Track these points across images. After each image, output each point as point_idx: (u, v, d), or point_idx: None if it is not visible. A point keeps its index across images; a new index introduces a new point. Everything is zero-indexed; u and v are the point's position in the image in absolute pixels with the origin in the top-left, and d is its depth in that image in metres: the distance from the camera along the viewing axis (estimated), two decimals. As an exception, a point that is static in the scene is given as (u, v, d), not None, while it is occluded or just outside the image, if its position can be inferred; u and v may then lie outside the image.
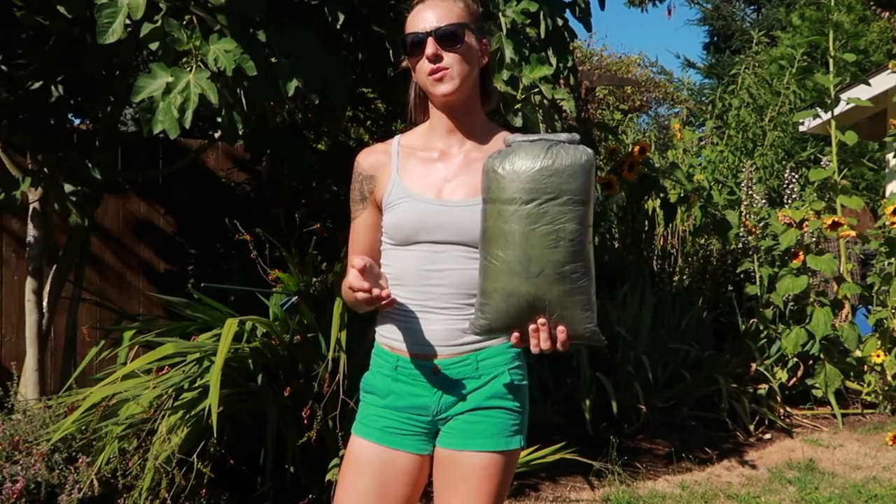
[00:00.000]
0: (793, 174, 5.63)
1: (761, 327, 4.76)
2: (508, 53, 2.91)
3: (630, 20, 41.33)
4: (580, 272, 1.33)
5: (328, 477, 2.88)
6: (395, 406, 1.54)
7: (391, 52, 3.16)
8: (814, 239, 4.82)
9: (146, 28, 2.37)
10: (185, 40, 2.36)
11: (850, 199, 4.94)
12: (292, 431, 2.89)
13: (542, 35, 2.99)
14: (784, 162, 7.06)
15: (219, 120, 2.45)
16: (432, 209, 1.49)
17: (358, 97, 4.24)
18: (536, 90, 3.02)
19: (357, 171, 1.60)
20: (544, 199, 1.31)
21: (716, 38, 18.60)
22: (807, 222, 4.70)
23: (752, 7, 18.98)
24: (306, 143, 3.77)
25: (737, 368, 4.55)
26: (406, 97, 1.64)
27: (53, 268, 3.32)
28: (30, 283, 3.28)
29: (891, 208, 4.78)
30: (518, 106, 3.01)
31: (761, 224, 5.25)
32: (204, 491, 2.69)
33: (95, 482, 2.59)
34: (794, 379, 4.75)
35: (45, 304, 3.29)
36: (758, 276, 4.93)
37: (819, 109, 5.17)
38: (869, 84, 5.94)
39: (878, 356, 4.66)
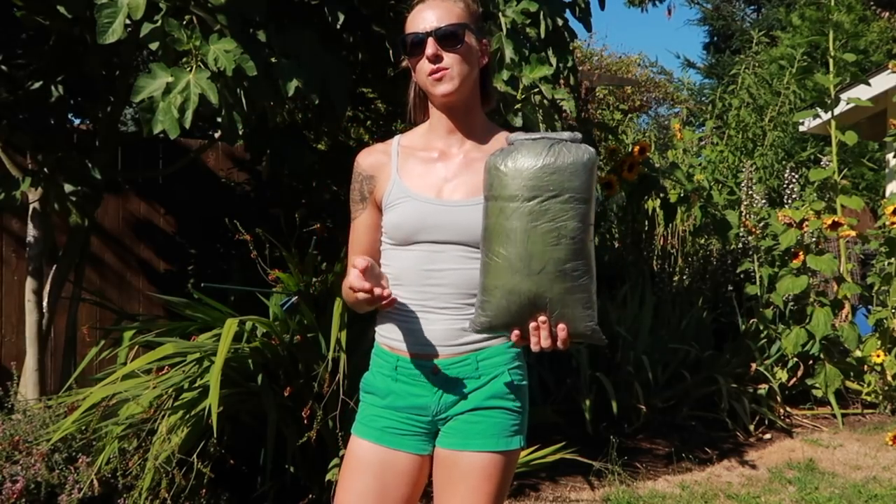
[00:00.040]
0: (793, 174, 5.63)
1: (761, 327, 4.76)
2: (508, 53, 2.91)
3: (630, 20, 41.34)
4: (581, 270, 1.33)
5: (328, 477, 2.88)
6: (395, 406, 1.54)
7: (391, 52, 3.16)
8: (814, 239, 4.82)
9: (146, 28, 2.37)
10: (185, 40, 2.36)
11: (850, 199, 4.94)
12: (292, 431, 2.89)
13: (542, 35, 2.99)
14: (784, 162, 7.06)
15: (219, 120, 2.45)
16: (432, 209, 1.49)
17: (358, 97, 4.24)
18: (536, 90, 3.02)
19: (357, 171, 1.60)
20: (546, 196, 1.31)
21: (716, 38, 18.60)
22: (807, 222, 4.70)
23: (752, 7, 18.98)
24: (306, 143, 3.77)
25: (737, 368, 4.55)
26: (406, 97, 1.64)
27: (53, 268, 3.32)
28: (30, 283, 3.28)
29: (891, 208, 4.78)
30: (518, 106, 3.01)
31: (761, 224, 5.25)
32: (204, 491, 2.69)
33: (95, 482, 2.59)
34: (794, 379, 4.75)
35: (45, 304, 3.29)
36: (758, 276, 4.93)
37: (819, 109, 5.18)
38: (869, 84, 5.94)
39: (878, 356, 4.66)
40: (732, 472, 3.74)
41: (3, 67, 3.22)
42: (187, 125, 2.33)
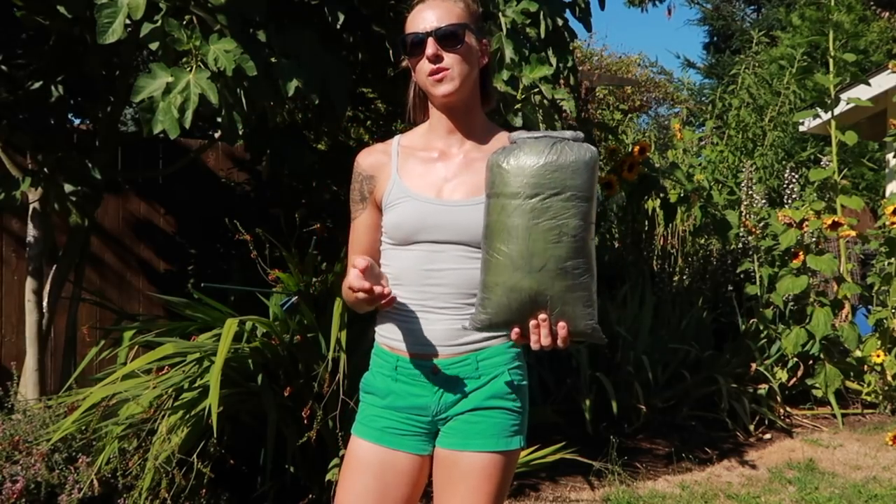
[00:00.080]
0: (793, 174, 5.63)
1: (761, 327, 4.76)
2: (508, 53, 2.91)
3: (630, 20, 41.35)
4: (582, 268, 1.34)
5: (328, 477, 2.88)
6: (395, 406, 1.54)
7: (391, 52, 3.16)
8: (814, 239, 4.82)
9: (146, 28, 2.37)
10: (185, 40, 2.36)
11: (850, 199, 4.94)
12: (292, 431, 2.89)
13: (542, 35, 2.99)
14: (784, 162, 7.06)
15: (219, 120, 2.45)
16: (432, 209, 1.49)
17: (358, 97, 4.24)
18: (536, 90, 3.02)
19: (357, 171, 1.60)
20: (548, 194, 1.32)
21: (716, 38, 18.60)
22: (807, 222, 4.70)
23: (752, 7, 18.98)
24: (306, 143, 3.77)
25: (737, 368, 4.55)
26: (406, 97, 1.64)
27: (53, 268, 3.32)
28: (30, 283, 3.28)
29: (891, 208, 4.78)
30: (518, 106, 3.01)
31: (761, 224, 5.25)
32: (204, 491, 2.69)
33: (95, 482, 2.59)
34: (794, 379, 4.75)
35: (45, 304, 3.29)
36: (758, 276, 4.93)
37: (819, 109, 5.18)
38: (869, 84, 5.94)
39: (878, 356, 4.66)
40: (732, 472, 3.74)
41: (3, 67, 3.22)
42: (187, 125, 2.34)
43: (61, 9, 2.47)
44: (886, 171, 7.43)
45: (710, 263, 5.30)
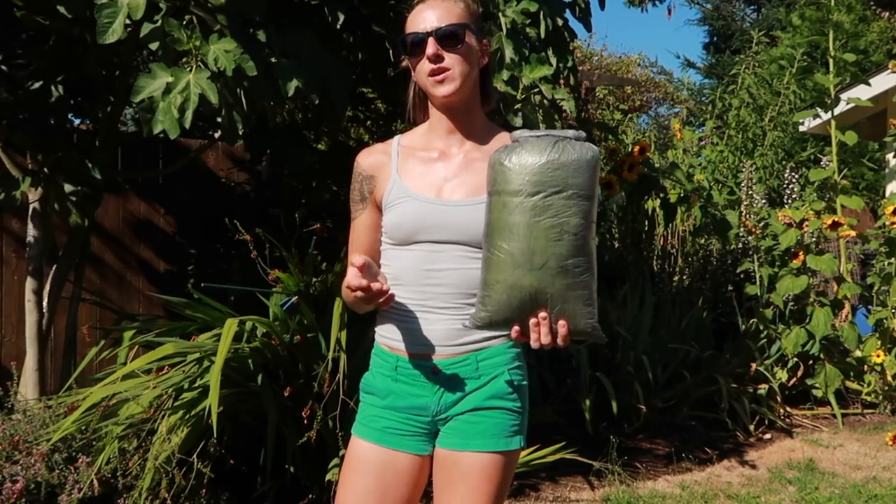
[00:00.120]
0: (793, 174, 5.63)
1: (761, 327, 4.76)
2: (508, 53, 2.91)
3: (630, 20, 41.34)
4: (583, 267, 1.34)
5: (328, 477, 2.88)
6: (395, 406, 1.54)
7: (391, 52, 3.16)
8: (814, 239, 4.82)
9: (146, 28, 2.37)
10: (185, 40, 2.36)
11: (850, 199, 4.94)
12: (292, 431, 2.89)
13: (542, 35, 2.99)
14: (784, 162, 7.06)
15: (219, 120, 2.45)
16: (432, 209, 1.49)
17: (358, 97, 4.24)
18: (536, 90, 3.02)
19: (357, 171, 1.60)
20: (550, 191, 1.32)
21: (716, 38, 18.60)
22: (807, 222, 4.70)
23: (752, 7, 18.98)
24: (306, 143, 3.77)
25: (737, 368, 4.55)
26: (406, 97, 1.64)
27: (53, 268, 3.32)
28: (30, 283, 3.28)
29: (891, 208, 4.78)
30: (518, 106, 3.01)
31: (761, 224, 5.25)
32: (204, 491, 2.69)
33: (95, 482, 2.59)
34: (794, 379, 4.75)
35: (45, 304, 3.29)
36: (758, 276, 4.93)
37: (819, 109, 5.18)
38: (869, 84, 5.94)
39: (878, 356, 4.66)
40: (732, 472, 3.74)
41: (3, 67, 3.22)
42: (187, 125, 2.33)
43: (61, 9, 2.47)
44: (886, 171, 7.43)
45: (710, 263, 5.30)
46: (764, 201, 5.83)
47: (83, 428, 2.74)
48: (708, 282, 5.18)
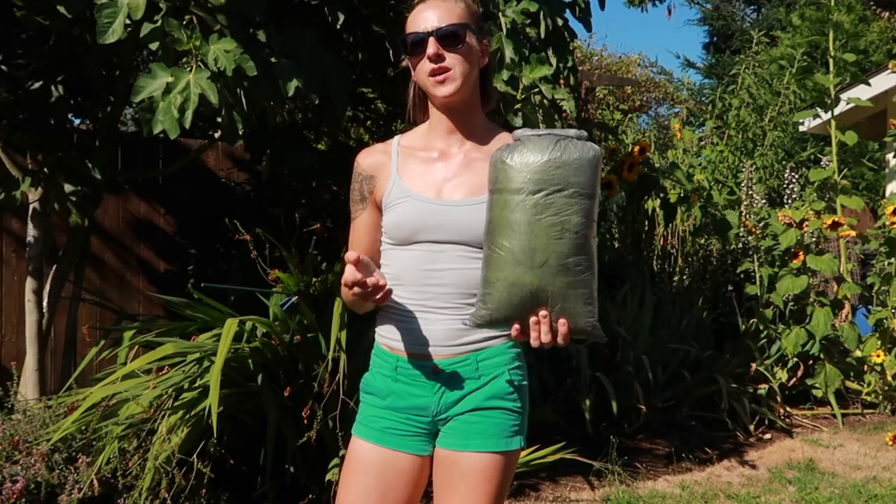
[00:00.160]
0: (793, 174, 5.64)
1: (761, 327, 4.76)
2: (508, 53, 2.91)
3: (630, 20, 41.35)
4: (584, 265, 1.34)
5: (328, 477, 2.88)
6: (395, 407, 1.54)
7: (391, 52, 3.16)
8: (814, 239, 4.82)
9: (146, 28, 2.37)
10: (185, 40, 2.36)
11: (850, 199, 4.94)
12: (292, 431, 2.89)
13: (542, 35, 2.99)
14: (784, 162, 7.06)
15: (219, 120, 2.45)
16: (432, 209, 1.49)
17: (358, 97, 4.24)
18: (536, 90, 3.02)
19: (357, 172, 1.60)
20: (551, 189, 1.33)
21: (716, 38, 18.60)
22: (807, 222, 4.70)
23: (752, 7, 18.98)
24: (306, 143, 3.77)
25: (737, 368, 4.55)
26: (406, 97, 1.64)
27: (53, 268, 3.32)
28: (30, 283, 3.28)
29: (891, 208, 4.78)
30: (518, 106, 3.01)
31: (761, 224, 5.25)
32: (204, 491, 2.69)
33: (95, 482, 2.59)
34: (794, 379, 4.75)
35: (45, 304, 3.29)
36: (758, 276, 4.93)
37: (819, 109, 5.18)
38: (869, 84, 5.94)
39: (878, 356, 4.66)
40: (732, 472, 3.74)
41: (3, 67, 3.22)
42: (187, 125, 2.33)
43: (61, 9, 2.47)
44: (886, 171, 7.43)
45: (710, 263, 5.30)
46: (764, 201, 5.83)
47: (83, 428, 2.74)
48: (708, 282, 5.18)
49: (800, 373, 4.74)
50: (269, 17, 2.58)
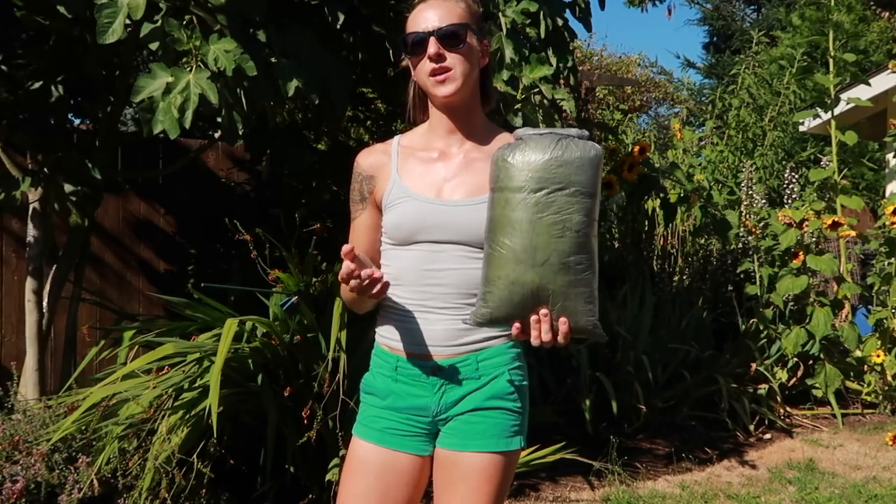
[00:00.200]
0: (793, 174, 5.64)
1: (761, 327, 4.76)
2: (508, 53, 2.91)
3: (630, 20, 41.35)
4: (584, 264, 1.34)
5: (328, 477, 2.88)
6: (396, 407, 1.54)
7: (391, 52, 3.16)
8: (814, 239, 4.82)
9: (146, 28, 2.37)
10: (185, 40, 2.36)
11: (850, 199, 4.94)
12: (292, 431, 2.89)
13: (542, 35, 2.99)
14: (784, 162, 7.06)
15: (219, 120, 2.45)
16: (432, 209, 1.49)
17: (358, 97, 4.24)
18: (536, 90, 3.02)
19: (357, 172, 1.60)
20: (553, 188, 1.33)
21: (716, 38, 18.60)
22: (807, 222, 4.70)
23: (752, 7, 18.98)
24: (306, 143, 3.77)
25: (737, 368, 4.55)
26: (406, 97, 1.64)
27: (53, 268, 3.32)
28: (30, 283, 3.28)
29: (891, 208, 4.78)
30: (518, 106, 3.01)
31: (761, 224, 5.25)
32: (204, 491, 2.69)
33: (95, 482, 2.59)
34: (794, 379, 4.75)
35: (45, 304, 3.29)
36: (758, 276, 4.93)
37: (819, 109, 5.18)
38: (869, 84, 5.94)
39: (878, 356, 4.66)
40: (732, 472, 3.74)
41: (3, 67, 3.22)
42: (187, 125, 2.33)
43: (61, 9, 2.47)
44: (886, 171, 7.43)
45: (710, 263, 5.30)
46: (764, 201, 5.83)
47: (83, 428, 2.74)
48: (708, 282, 5.18)
49: (800, 373, 4.74)
50: (269, 17, 2.58)
